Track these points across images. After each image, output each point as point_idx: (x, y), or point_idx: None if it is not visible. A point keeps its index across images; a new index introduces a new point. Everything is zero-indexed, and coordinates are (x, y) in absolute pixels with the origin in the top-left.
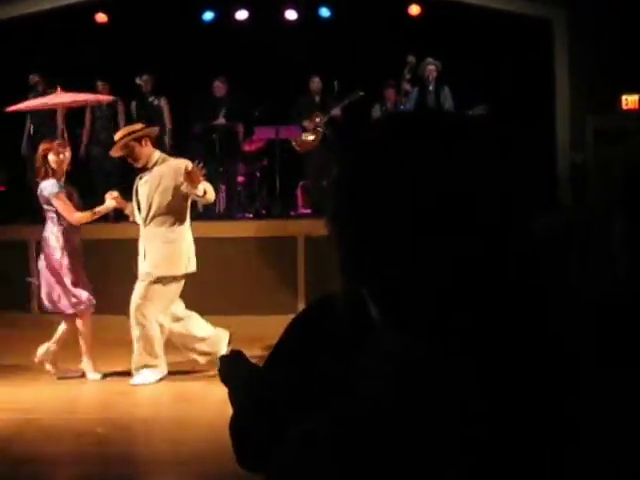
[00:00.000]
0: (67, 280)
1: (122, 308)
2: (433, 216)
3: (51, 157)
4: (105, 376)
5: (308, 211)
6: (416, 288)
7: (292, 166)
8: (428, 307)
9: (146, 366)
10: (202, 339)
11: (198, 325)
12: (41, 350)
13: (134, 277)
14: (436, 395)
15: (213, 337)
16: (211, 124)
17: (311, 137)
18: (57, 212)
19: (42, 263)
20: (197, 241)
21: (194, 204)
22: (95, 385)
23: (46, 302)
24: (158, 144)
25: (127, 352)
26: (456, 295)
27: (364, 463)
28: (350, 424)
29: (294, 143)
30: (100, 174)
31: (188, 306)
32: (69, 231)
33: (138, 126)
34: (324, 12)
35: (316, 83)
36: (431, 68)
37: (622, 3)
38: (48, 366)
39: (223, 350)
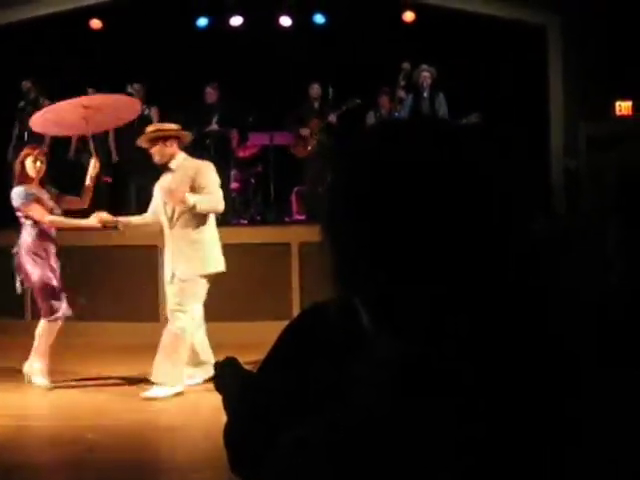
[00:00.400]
0: (41, 290)
1: (113, 315)
2: (428, 221)
3: (28, 163)
4: (63, 382)
5: (302, 217)
6: (411, 293)
7: (286, 172)
8: (423, 312)
9: (166, 380)
10: (203, 362)
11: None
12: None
13: (126, 283)
14: (431, 400)
15: (208, 366)
16: (204, 130)
17: (308, 142)
18: (28, 218)
19: (19, 272)
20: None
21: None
22: (88, 392)
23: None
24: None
25: (118, 358)
26: (451, 299)
27: (358, 469)
28: (344, 431)
29: (292, 148)
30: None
31: None
32: (44, 238)
33: (171, 126)
34: (318, 18)
35: (315, 89)
36: (425, 75)
37: (616, 10)
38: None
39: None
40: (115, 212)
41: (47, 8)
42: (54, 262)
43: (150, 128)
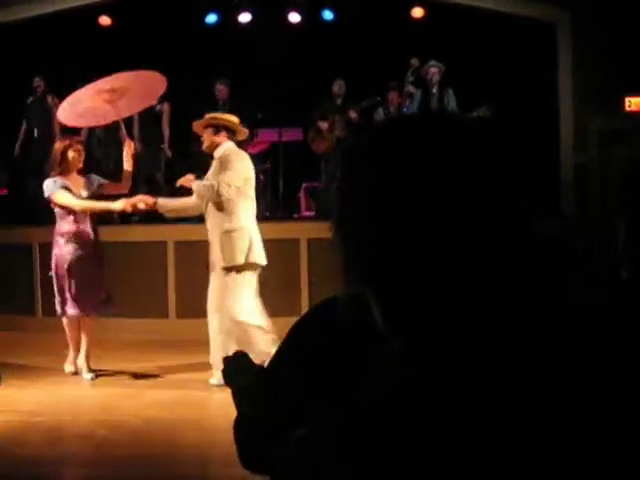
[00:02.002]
0: (71, 283)
1: (122, 311)
2: (434, 216)
3: (70, 154)
4: (97, 376)
5: (311, 214)
6: (421, 288)
7: (295, 168)
8: (433, 307)
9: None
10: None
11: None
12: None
13: (136, 279)
14: (434, 394)
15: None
16: None
17: (326, 137)
18: (61, 209)
19: (52, 264)
20: (200, 244)
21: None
22: (98, 387)
23: (57, 305)
24: (157, 150)
25: (128, 354)
26: (460, 295)
27: (367, 465)
28: (354, 424)
29: (311, 144)
30: (100, 176)
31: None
32: (78, 230)
33: (225, 116)
34: (327, 15)
35: (338, 86)
36: (434, 71)
37: (626, 7)
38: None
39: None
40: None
41: (56, 5)
42: (93, 255)
43: (209, 115)
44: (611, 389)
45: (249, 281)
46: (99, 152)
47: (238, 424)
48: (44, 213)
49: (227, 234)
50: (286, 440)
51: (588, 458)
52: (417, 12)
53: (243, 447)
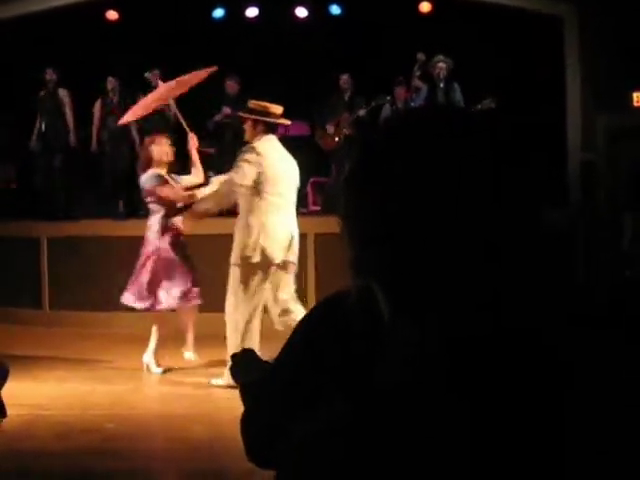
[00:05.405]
0: (161, 277)
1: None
2: (439, 207)
3: (153, 147)
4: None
5: (318, 208)
6: (427, 277)
7: (302, 163)
8: (439, 296)
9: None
10: None
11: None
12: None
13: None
14: (442, 393)
15: None
16: (222, 121)
17: (336, 135)
18: (158, 205)
19: (141, 258)
20: (207, 238)
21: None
22: (106, 381)
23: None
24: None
25: (135, 348)
26: (464, 286)
27: (373, 461)
28: (362, 416)
29: (319, 140)
30: (113, 172)
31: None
32: (171, 226)
33: (265, 106)
34: (334, 9)
35: (344, 80)
36: (442, 66)
37: (634, 1)
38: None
39: None
40: None
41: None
42: (182, 251)
43: (250, 104)
44: (613, 389)
45: (251, 277)
46: (109, 146)
47: (245, 419)
48: (52, 208)
49: (240, 231)
50: (290, 435)
51: (589, 452)
52: (425, 7)
53: (250, 442)
